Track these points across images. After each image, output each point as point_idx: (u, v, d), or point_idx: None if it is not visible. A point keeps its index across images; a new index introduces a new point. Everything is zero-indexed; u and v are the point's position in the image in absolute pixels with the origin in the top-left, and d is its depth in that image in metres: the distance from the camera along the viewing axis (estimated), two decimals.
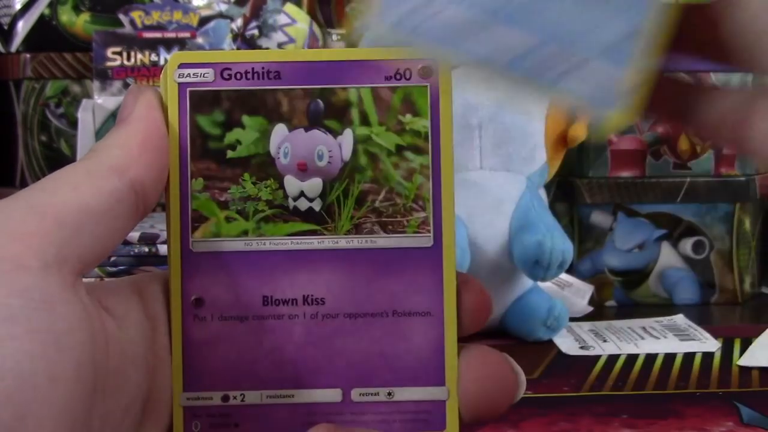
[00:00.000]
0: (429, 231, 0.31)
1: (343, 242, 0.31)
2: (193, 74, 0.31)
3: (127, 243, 0.72)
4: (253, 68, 0.31)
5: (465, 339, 0.32)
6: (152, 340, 0.30)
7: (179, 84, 0.31)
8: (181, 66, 0.31)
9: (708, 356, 0.66)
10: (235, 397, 0.31)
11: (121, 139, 0.29)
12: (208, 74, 0.31)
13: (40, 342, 0.25)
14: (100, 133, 0.85)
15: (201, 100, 0.31)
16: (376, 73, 0.31)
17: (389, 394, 0.31)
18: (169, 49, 0.88)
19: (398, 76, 0.31)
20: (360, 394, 0.31)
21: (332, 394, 0.31)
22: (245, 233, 0.31)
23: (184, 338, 0.31)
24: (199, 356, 0.31)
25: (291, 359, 0.31)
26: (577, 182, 0.85)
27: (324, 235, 0.31)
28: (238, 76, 0.31)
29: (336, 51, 0.33)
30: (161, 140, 0.30)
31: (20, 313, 0.25)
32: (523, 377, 0.31)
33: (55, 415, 0.25)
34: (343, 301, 0.31)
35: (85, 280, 0.28)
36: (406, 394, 0.31)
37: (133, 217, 0.29)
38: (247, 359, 0.31)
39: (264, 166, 0.31)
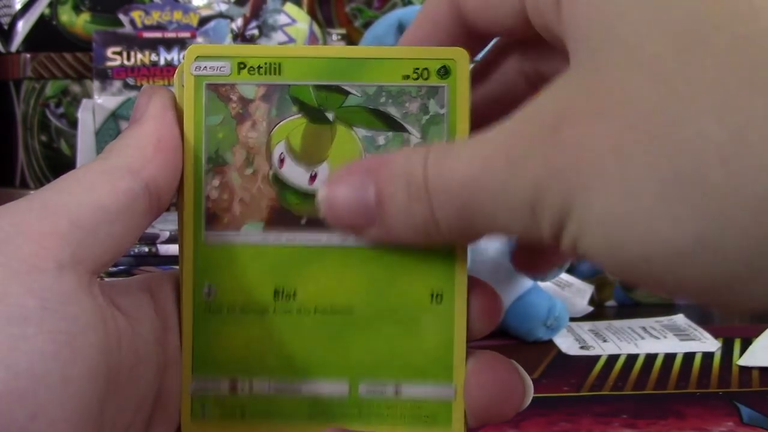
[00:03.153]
0: None
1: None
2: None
3: None
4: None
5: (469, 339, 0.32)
6: (163, 339, 0.31)
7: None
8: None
9: (708, 356, 0.66)
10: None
11: (134, 140, 0.30)
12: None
13: (54, 342, 0.26)
14: (100, 133, 0.85)
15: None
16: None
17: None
18: (169, 49, 0.88)
19: (416, 76, 0.31)
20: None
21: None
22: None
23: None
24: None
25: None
26: None
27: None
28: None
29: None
30: (175, 140, 0.30)
31: (35, 314, 0.26)
32: (530, 384, 0.31)
33: (68, 414, 0.26)
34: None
35: None
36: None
37: (147, 217, 0.29)
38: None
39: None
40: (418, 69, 0.31)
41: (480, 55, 0.33)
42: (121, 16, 0.88)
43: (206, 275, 0.31)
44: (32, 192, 0.29)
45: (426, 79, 0.31)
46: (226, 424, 0.31)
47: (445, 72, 0.31)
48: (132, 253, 0.73)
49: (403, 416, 0.31)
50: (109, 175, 0.29)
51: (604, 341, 0.70)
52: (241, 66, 0.31)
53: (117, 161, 0.29)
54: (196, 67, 0.31)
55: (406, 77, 0.31)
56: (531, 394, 0.31)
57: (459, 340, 0.31)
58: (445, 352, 0.31)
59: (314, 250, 0.31)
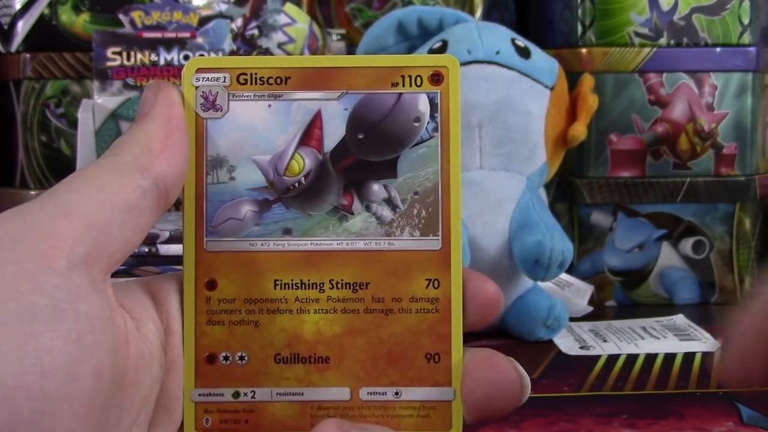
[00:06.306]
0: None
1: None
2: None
3: None
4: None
5: (467, 337, 0.32)
6: (166, 340, 0.31)
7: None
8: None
9: (708, 356, 0.66)
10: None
11: (142, 136, 0.30)
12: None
13: (63, 340, 0.26)
14: (100, 133, 0.85)
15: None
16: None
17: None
18: (169, 49, 0.88)
19: (409, 83, 0.31)
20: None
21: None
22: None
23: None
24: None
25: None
26: (577, 182, 0.85)
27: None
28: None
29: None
30: (182, 137, 0.31)
31: (44, 312, 0.26)
32: (527, 381, 0.31)
33: (74, 411, 0.26)
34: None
35: None
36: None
37: (156, 213, 0.30)
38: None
39: None
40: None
41: None
42: (121, 16, 0.88)
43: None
44: (33, 192, 0.29)
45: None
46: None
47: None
48: (132, 253, 0.73)
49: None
50: (119, 173, 0.29)
51: (604, 341, 0.70)
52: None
53: (126, 158, 0.29)
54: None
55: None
56: (528, 390, 0.31)
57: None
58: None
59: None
